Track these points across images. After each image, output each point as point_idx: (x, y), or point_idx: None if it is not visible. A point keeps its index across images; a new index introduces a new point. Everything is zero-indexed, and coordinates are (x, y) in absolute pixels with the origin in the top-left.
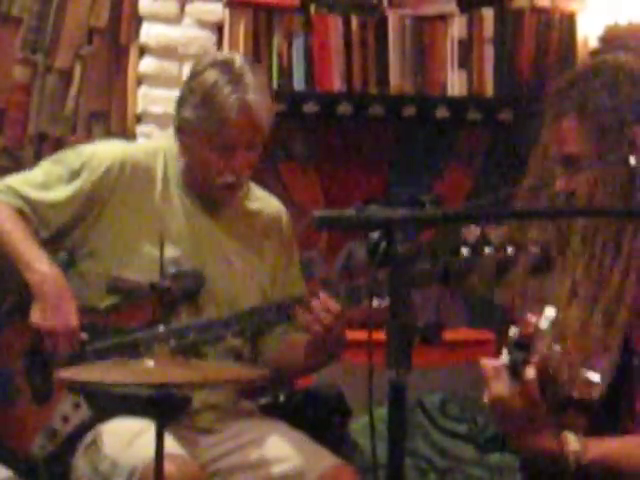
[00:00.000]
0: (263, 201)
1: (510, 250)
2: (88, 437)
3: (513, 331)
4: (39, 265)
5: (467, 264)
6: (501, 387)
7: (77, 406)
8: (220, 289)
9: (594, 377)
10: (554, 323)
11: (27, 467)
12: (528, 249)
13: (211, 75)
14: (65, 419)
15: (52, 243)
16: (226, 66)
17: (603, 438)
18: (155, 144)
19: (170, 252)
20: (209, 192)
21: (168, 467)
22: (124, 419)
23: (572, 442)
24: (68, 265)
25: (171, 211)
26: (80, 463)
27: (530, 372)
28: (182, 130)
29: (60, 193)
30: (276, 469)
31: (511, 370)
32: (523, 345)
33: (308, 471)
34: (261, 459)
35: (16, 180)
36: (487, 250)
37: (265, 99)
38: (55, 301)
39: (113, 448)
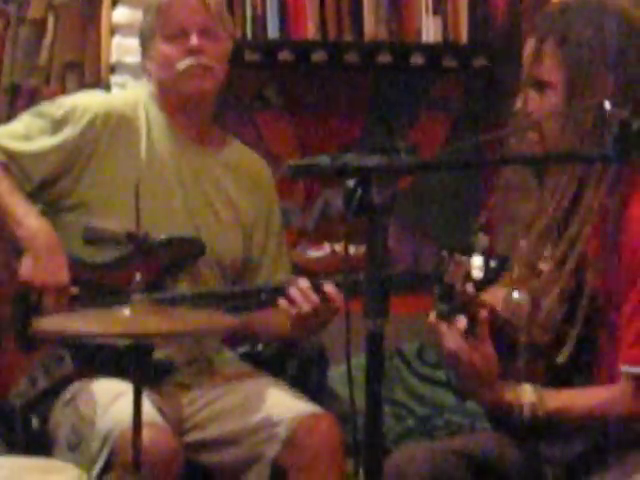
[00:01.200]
0: (245, 155)
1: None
2: (67, 392)
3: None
4: (28, 219)
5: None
6: (452, 342)
7: (61, 359)
8: (208, 242)
9: (518, 295)
10: (485, 269)
11: (3, 414)
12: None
13: None
14: (47, 370)
15: (35, 196)
16: None
17: (559, 390)
18: (134, 93)
19: (160, 206)
20: (178, 93)
21: (144, 436)
22: (105, 379)
23: (528, 393)
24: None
25: (159, 164)
26: (58, 418)
27: (461, 321)
28: (145, 45)
29: (43, 144)
30: (253, 417)
31: (442, 320)
32: (447, 296)
33: (286, 419)
34: (238, 408)
35: None
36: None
37: None
38: (46, 255)
39: (92, 409)
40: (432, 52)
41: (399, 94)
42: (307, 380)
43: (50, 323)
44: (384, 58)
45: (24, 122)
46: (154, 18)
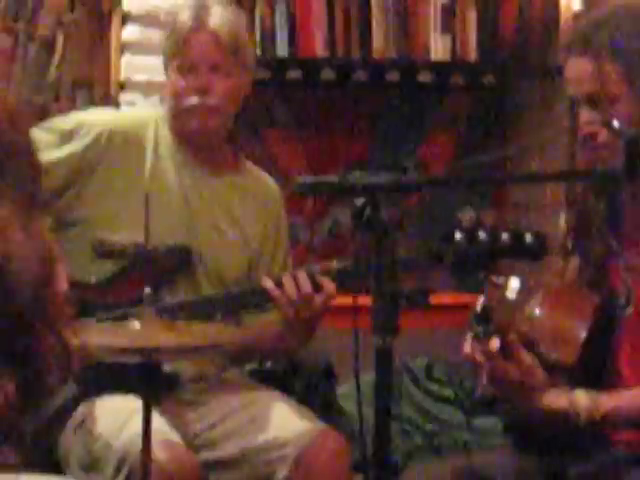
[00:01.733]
0: (258, 180)
1: (505, 236)
2: (77, 415)
3: (478, 303)
4: None
5: (460, 249)
6: (492, 369)
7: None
8: (211, 258)
9: (563, 326)
10: (520, 291)
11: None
12: (524, 236)
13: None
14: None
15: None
16: (195, 2)
17: (611, 392)
18: (145, 113)
19: (163, 221)
20: (181, 125)
21: (161, 455)
22: (113, 397)
23: (583, 398)
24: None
25: (164, 180)
26: (69, 442)
27: (493, 344)
28: (164, 66)
29: (49, 157)
30: (263, 435)
31: (477, 343)
32: (484, 318)
33: (294, 436)
34: (247, 426)
35: None
36: (481, 236)
37: (228, 19)
38: None
39: (105, 428)
40: (440, 70)
41: (407, 112)
42: (315, 397)
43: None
44: (392, 76)
45: (33, 137)
46: (171, 45)
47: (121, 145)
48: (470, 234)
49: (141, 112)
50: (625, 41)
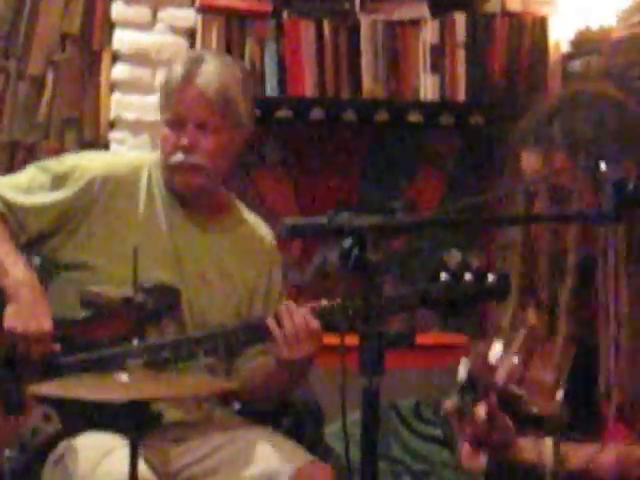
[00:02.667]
0: (251, 228)
1: (491, 278)
2: (58, 450)
3: (461, 371)
4: (15, 269)
5: (447, 290)
6: (468, 425)
7: (48, 418)
8: (196, 307)
9: (542, 379)
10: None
11: None
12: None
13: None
14: (35, 432)
15: (29, 248)
16: (191, 54)
17: (581, 446)
18: (140, 157)
19: (149, 268)
20: (168, 178)
21: None
22: (94, 434)
23: (549, 450)
24: (42, 272)
25: (154, 227)
26: (49, 477)
27: (479, 413)
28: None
29: (41, 199)
30: (250, 469)
31: (462, 413)
32: (471, 386)
33: (283, 469)
34: (235, 460)
35: (0, 184)
36: (467, 277)
37: (219, 75)
38: (30, 305)
39: (83, 467)
40: (429, 110)
41: (396, 151)
42: (302, 435)
43: (48, 389)
44: (382, 116)
45: (28, 175)
46: (162, 98)
47: (114, 191)
48: (456, 275)
49: (135, 156)
50: (575, 133)
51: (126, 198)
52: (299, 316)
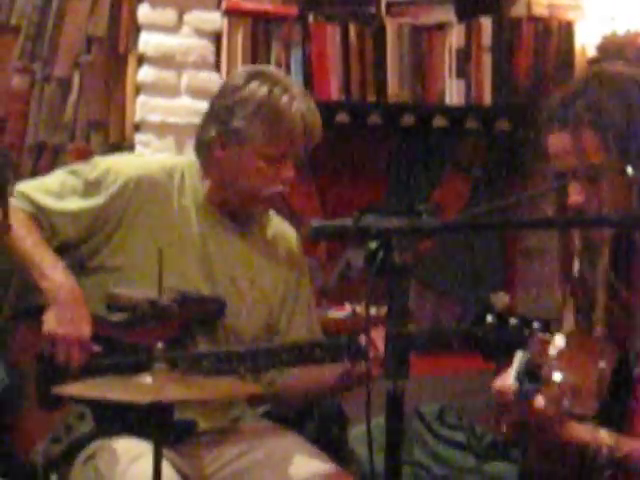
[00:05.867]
0: (278, 228)
1: (536, 325)
2: (89, 449)
3: (520, 356)
4: (53, 273)
5: (492, 332)
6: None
7: (82, 417)
8: (229, 314)
9: (557, 377)
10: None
11: (24, 473)
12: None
13: (261, 86)
14: (69, 428)
15: (60, 252)
16: (270, 76)
17: (632, 436)
18: (172, 160)
19: (179, 270)
20: (246, 205)
21: None
22: (126, 438)
23: (606, 436)
24: (78, 272)
25: (185, 230)
26: (77, 476)
27: (540, 401)
28: (227, 141)
29: (73, 204)
30: (276, 475)
31: (521, 399)
32: (533, 374)
33: (307, 477)
34: (261, 465)
35: (30, 186)
36: (512, 321)
37: (316, 109)
38: (69, 309)
39: (111, 469)
40: (455, 114)
41: (422, 155)
42: (327, 439)
43: (74, 389)
44: (407, 120)
45: (58, 179)
46: (266, 129)
47: (148, 193)
48: (502, 318)
49: (167, 158)
50: (601, 109)
51: (160, 200)
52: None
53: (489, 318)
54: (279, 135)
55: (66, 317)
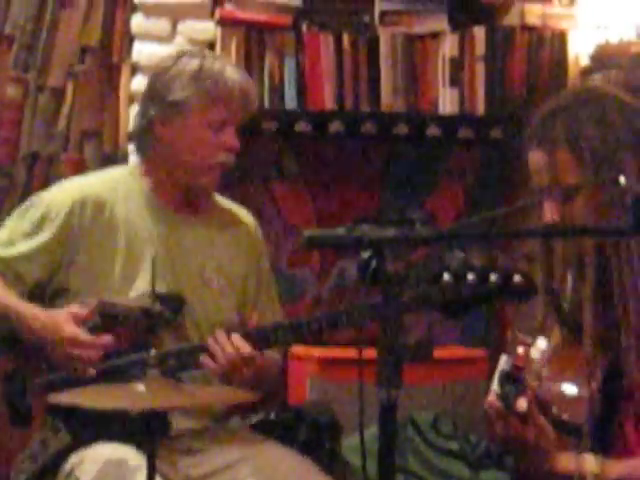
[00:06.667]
0: (232, 212)
1: (493, 277)
2: (67, 466)
3: (504, 361)
4: (29, 314)
5: (449, 291)
6: (507, 426)
7: (57, 431)
8: (198, 309)
9: (570, 390)
10: (544, 351)
11: None
12: (512, 278)
13: (191, 59)
14: (44, 444)
15: (33, 296)
16: (198, 52)
17: (619, 460)
18: (110, 174)
19: (146, 278)
20: (194, 179)
21: None
22: (105, 445)
23: (591, 464)
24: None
25: (140, 234)
26: None
27: (522, 404)
28: (167, 117)
29: (24, 247)
30: None
31: (503, 402)
32: (514, 377)
33: None
34: (246, 477)
35: None
36: (470, 277)
37: (250, 80)
38: (55, 327)
39: (90, 476)
40: (448, 123)
41: (415, 164)
42: (319, 449)
43: (65, 398)
44: (401, 129)
45: (8, 227)
46: (203, 95)
47: (95, 211)
48: (458, 276)
49: (106, 173)
50: (579, 131)
51: (108, 214)
52: (229, 346)
53: (445, 277)
54: (216, 98)
55: (59, 334)
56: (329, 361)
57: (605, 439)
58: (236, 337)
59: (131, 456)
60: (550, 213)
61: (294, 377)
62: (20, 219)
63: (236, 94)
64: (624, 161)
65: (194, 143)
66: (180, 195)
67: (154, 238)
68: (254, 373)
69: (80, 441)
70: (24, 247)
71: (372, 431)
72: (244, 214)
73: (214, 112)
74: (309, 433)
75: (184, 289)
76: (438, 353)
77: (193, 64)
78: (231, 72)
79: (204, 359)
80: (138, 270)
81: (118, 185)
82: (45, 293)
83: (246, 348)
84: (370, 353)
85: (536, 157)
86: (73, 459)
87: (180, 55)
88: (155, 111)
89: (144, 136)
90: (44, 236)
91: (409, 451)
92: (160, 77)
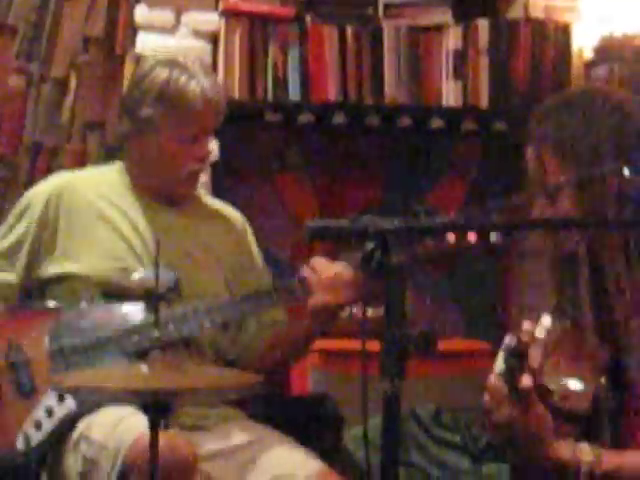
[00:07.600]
0: (221, 208)
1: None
2: (75, 434)
3: (509, 338)
4: None
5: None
6: (506, 410)
7: (62, 399)
8: (187, 284)
9: (576, 385)
10: (549, 330)
11: (10, 463)
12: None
13: (161, 71)
14: (50, 412)
15: (26, 284)
16: (172, 61)
17: (617, 450)
18: (99, 169)
19: (131, 256)
20: (171, 188)
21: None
22: (110, 408)
23: (586, 453)
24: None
25: (126, 221)
26: (69, 460)
27: (526, 380)
28: (140, 131)
29: (5, 243)
30: (263, 476)
31: (506, 378)
32: (519, 353)
33: (293, 475)
34: (248, 466)
35: None
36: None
37: (218, 83)
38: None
39: (100, 433)
40: (452, 116)
41: (419, 157)
42: (322, 439)
43: (68, 378)
44: (404, 121)
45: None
46: (170, 113)
47: (71, 199)
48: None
49: (99, 167)
50: (566, 134)
51: (89, 197)
52: (333, 266)
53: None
54: (184, 117)
55: None
56: (331, 353)
57: (616, 431)
58: (340, 264)
59: (136, 411)
60: (538, 209)
61: (296, 369)
62: (6, 218)
63: (203, 107)
64: (607, 164)
65: (166, 158)
66: (163, 194)
67: (139, 218)
68: (347, 299)
69: (86, 408)
70: (5, 244)
71: (375, 423)
72: (231, 211)
73: (183, 129)
74: (310, 425)
75: (175, 266)
76: (441, 345)
77: (161, 77)
78: (196, 85)
79: (306, 271)
80: (124, 248)
81: (103, 177)
82: (35, 280)
83: (349, 273)
84: (373, 345)
85: (528, 154)
86: (81, 427)
87: (154, 65)
88: (128, 124)
89: (122, 144)
90: (23, 225)
91: (410, 443)
92: (132, 92)
